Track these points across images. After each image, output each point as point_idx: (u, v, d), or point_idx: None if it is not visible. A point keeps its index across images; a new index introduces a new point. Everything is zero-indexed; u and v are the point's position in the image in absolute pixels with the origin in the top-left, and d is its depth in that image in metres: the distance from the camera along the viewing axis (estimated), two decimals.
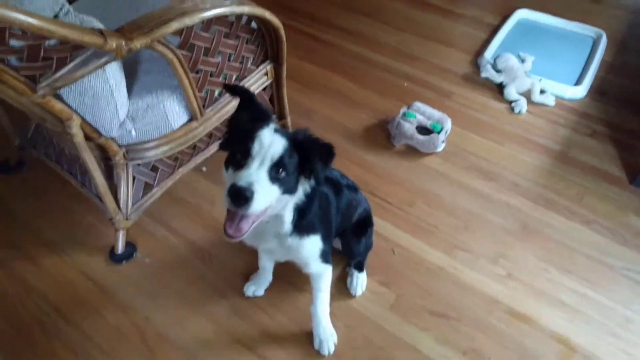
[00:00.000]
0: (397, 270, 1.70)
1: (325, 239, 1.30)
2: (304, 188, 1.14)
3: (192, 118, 1.66)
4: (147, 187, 1.72)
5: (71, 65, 1.20)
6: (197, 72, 1.54)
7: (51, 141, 1.83)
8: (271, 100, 1.98)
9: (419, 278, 1.68)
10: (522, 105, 2.34)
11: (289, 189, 1.06)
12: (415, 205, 1.91)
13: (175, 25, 1.28)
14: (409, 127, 2.08)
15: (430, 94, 2.42)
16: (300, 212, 1.18)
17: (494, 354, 1.50)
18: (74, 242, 1.75)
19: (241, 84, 1.76)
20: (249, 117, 1.07)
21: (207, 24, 1.45)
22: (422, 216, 1.88)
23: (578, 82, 2.49)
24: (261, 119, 1.06)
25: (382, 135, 2.20)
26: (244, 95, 1.11)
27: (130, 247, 1.74)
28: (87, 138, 1.47)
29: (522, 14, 2.96)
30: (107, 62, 1.23)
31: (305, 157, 1.05)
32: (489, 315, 1.59)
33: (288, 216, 1.16)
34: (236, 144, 1.04)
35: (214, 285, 1.64)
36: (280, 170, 1.02)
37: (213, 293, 1.62)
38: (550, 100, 2.38)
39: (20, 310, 1.57)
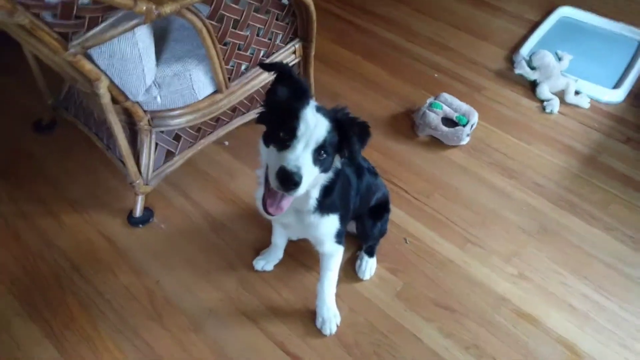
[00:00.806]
0: (407, 259, 1.70)
1: (343, 220, 1.31)
2: (334, 166, 1.15)
3: (217, 90, 1.68)
4: (169, 155, 1.75)
5: (102, 25, 1.23)
6: (225, 44, 1.55)
7: (82, 104, 1.88)
8: None
9: (428, 269, 1.67)
10: (555, 105, 2.27)
11: (326, 169, 1.09)
12: (432, 197, 1.89)
13: None
14: (435, 118, 2.05)
15: (460, 86, 2.37)
16: (326, 191, 1.19)
17: (497, 352, 1.48)
18: (96, 202, 1.81)
19: (268, 60, 1.77)
20: (289, 93, 1.08)
21: None
22: (438, 208, 1.86)
23: (617, 86, 2.40)
24: (301, 96, 1.06)
25: (406, 124, 2.18)
26: (282, 69, 1.11)
27: (148, 212, 1.78)
28: (115, 102, 1.51)
29: (564, 12, 2.86)
30: (137, 25, 1.26)
31: (343, 136, 1.07)
32: (495, 313, 1.57)
33: (314, 193, 1.18)
34: (278, 121, 1.04)
35: (224, 256, 1.68)
36: (323, 152, 1.04)
37: (223, 263, 1.66)
38: (584, 102, 2.30)
39: (38, 262, 1.64)
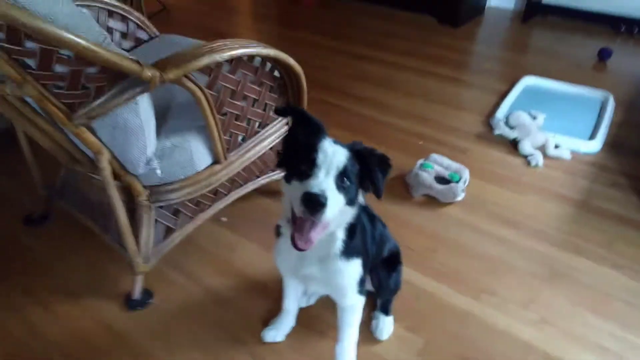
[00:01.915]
0: (423, 315, 1.62)
1: (365, 266, 1.28)
2: (357, 203, 1.15)
3: (216, 161, 1.70)
4: (168, 231, 1.71)
5: (108, 94, 1.27)
6: (223, 114, 1.61)
7: (77, 190, 1.87)
8: None
9: (447, 323, 1.60)
10: (538, 158, 2.36)
11: (351, 200, 1.09)
12: (438, 252, 1.87)
13: (205, 60, 1.36)
14: (427, 177, 2.09)
15: (445, 150, 2.46)
16: (350, 232, 1.19)
17: None
18: (90, 289, 1.72)
19: (263, 131, 1.82)
20: (305, 132, 1.11)
21: (234, 67, 1.54)
22: (446, 262, 1.82)
23: (592, 137, 2.52)
24: (317, 132, 1.10)
25: (400, 187, 2.21)
26: (296, 111, 1.17)
27: (147, 293, 1.70)
28: (115, 178, 1.50)
29: (529, 81, 3.09)
30: (142, 92, 1.30)
31: (363, 168, 1.09)
32: None
33: (340, 234, 1.17)
34: (298, 157, 1.07)
35: (232, 331, 1.57)
36: (345, 179, 1.05)
37: (231, 339, 1.55)
38: (566, 154, 2.40)
39: (24, 353, 1.50)
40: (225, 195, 1.85)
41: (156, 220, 1.67)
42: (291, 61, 1.66)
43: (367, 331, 1.56)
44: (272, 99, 1.80)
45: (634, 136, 2.60)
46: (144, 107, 1.41)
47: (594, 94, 2.94)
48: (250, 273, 1.77)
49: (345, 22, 4.20)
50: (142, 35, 2.18)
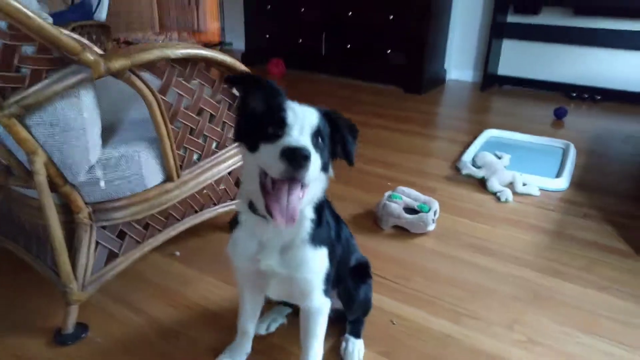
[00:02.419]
0: (398, 340, 1.44)
1: (331, 260, 1.13)
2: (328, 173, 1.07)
3: (167, 178, 1.58)
4: (111, 256, 1.54)
5: (46, 81, 1.18)
6: (176, 126, 1.52)
7: (10, 216, 1.69)
8: None
9: (425, 346, 1.41)
10: (508, 194, 2.32)
11: (325, 165, 1.00)
12: (412, 280, 1.72)
13: (155, 53, 1.31)
14: (396, 207, 2.00)
15: (414, 189, 2.39)
16: (318, 213, 1.08)
17: None
18: (14, 325, 1.48)
19: (221, 153, 1.74)
20: (264, 96, 1.01)
21: (190, 73, 1.49)
22: (421, 289, 1.67)
23: (558, 176, 2.52)
24: (278, 95, 1.01)
25: (369, 220, 2.11)
26: (250, 79, 1.05)
27: (81, 327, 1.47)
28: (52, 189, 1.37)
29: (491, 133, 3.15)
30: (83, 81, 1.22)
31: (332, 131, 1.02)
32: None
33: (309, 212, 1.06)
34: (262, 121, 0.96)
35: None
36: (319, 139, 0.96)
37: None
38: (534, 190, 2.37)
39: None
40: (179, 220, 1.71)
41: (97, 243, 1.50)
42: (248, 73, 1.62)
43: (336, 357, 1.36)
44: (231, 119, 1.73)
45: (598, 177, 2.61)
46: (87, 104, 1.31)
47: (555, 143, 3.00)
48: (202, 305, 1.57)
49: (311, 90, 4.33)
50: None
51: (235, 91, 1.70)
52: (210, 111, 1.63)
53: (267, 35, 5.06)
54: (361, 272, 1.37)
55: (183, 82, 1.49)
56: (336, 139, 1.02)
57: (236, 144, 1.09)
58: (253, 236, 1.07)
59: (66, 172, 1.36)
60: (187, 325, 1.49)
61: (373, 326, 1.47)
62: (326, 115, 1.01)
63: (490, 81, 4.51)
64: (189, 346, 1.41)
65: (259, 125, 0.97)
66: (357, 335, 1.39)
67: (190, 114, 1.55)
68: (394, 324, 1.50)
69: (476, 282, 1.71)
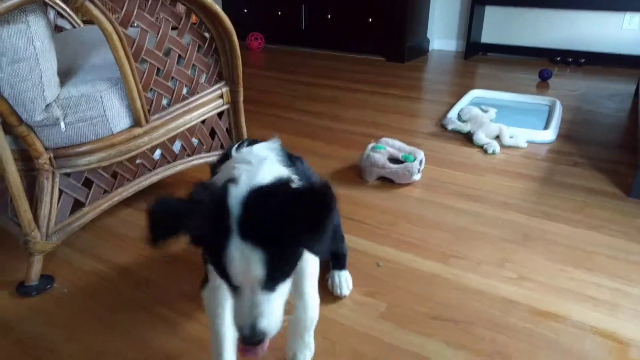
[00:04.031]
0: (384, 281, 1.37)
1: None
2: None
3: (135, 123, 1.48)
4: (77, 206, 1.44)
5: None
6: (141, 65, 1.42)
7: None
8: (229, 131, 1.84)
9: (412, 286, 1.35)
10: (495, 146, 2.25)
11: (289, 276, 0.80)
12: (397, 225, 1.65)
13: None
14: (380, 157, 1.92)
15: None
16: None
17: (528, 356, 1.11)
18: None
19: (193, 99, 1.64)
20: (206, 230, 0.74)
21: (152, 6, 1.39)
22: (406, 232, 1.60)
23: (545, 129, 2.46)
24: (218, 225, 0.72)
25: (353, 174, 2.03)
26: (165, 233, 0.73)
27: (47, 279, 1.38)
28: (6, 131, 1.26)
29: (476, 93, 3.08)
30: (29, 2, 1.11)
31: (293, 240, 0.76)
32: (507, 316, 1.23)
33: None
34: (211, 254, 0.77)
35: (150, 309, 1.26)
36: (273, 281, 0.75)
37: (148, 317, 1.24)
38: (522, 142, 2.30)
39: None
40: (150, 170, 1.61)
41: (61, 191, 1.40)
42: (217, 9, 1.52)
43: (325, 297, 1.28)
44: (203, 64, 1.64)
45: (585, 129, 2.56)
46: (38, 32, 1.21)
47: (541, 101, 2.94)
48: (177, 255, 1.49)
49: (294, 62, 4.23)
50: (64, 24, 2.03)
51: (206, 34, 1.61)
52: (179, 51, 1.53)
53: (245, 10, 4.93)
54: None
55: (146, 14, 1.38)
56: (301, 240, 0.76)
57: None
58: None
59: (20, 110, 1.25)
60: (159, 273, 1.41)
61: (358, 270, 1.40)
62: (278, 231, 0.71)
63: (474, 49, 4.43)
64: (161, 293, 1.33)
65: (209, 252, 0.78)
66: (341, 267, 1.32)
67: (156, 52, 1.45)
68: (379, 266, 1.43)
69: (464, 226, 1.64)
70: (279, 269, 0.75)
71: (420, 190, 1.89)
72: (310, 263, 0.95)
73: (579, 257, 1.48)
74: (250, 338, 0.73)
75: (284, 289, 0.78)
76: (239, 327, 0.75)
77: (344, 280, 1.29)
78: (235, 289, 0.76)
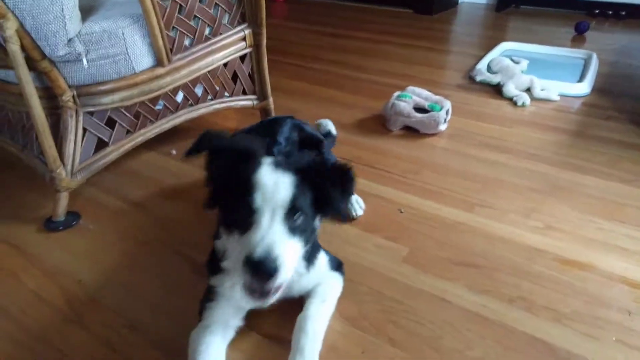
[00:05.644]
0: (407, 227, 1.35)
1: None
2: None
3: (158, 63, 1.46)
4: (101, 145, 1.45)
5: None
6: (163, 2, 1.38)
7: None
8: (251, 76, 1.80)
9: (435, 232, 1.33)
10: (525, 98, 2.16)
11: (307, 238, 0.84)
12: (420, 173, 1.62)
13: None
14: (406, 106, 1.87)
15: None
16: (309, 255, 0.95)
17: (551, 301, 1.10)
18: (1, 213, 1.42)
19: (215, 40, 1.60)
20: (232, 162, 0.84)
21: None
22: (431, 181, 1.57)
23: (580, 81, 2.35)
24: (248, 159, 0.84)
25: (377, 123, 1.99)
26: (210, 143, 0.86)
27: (73, 215, 1.40)
28: (30, 67, 1.25)
29: (507, 45, 2.95)
30: None
31: (318, 187, 0.84)
32: (532, 264, 1.21)
33: (299, 266, 0.92)
34: (230, 198, 0.81)
35: (173, 247, 1.28)
36: (297, 215, 0.79)
37: (171, 254, 1.25)
38: (554, 95, 2.21)
39: None
40: (173, 112, 1.60)
41: (85, 130, 1.41)
42: None
43: (348, 240, 1.27)
44: (226, 3, 1.59)
45: (622, 83, 2.44)
46: None
47: (576, 54, 2.80)
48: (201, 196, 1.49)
49: (319, 13, 4.10)
50: None
51: None
52: None
53: None
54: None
55: None
56: (322, 197, 0.85)
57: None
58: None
59: (43, 44, 1.24)
60: (184, 214, 1.42)
61: (379, 216, 1.38)
62: (306, 172, 0.83)
63: (506, 1, 4.22)
64: (185, 232, 1.34)
65: (228, 200, 0.82)
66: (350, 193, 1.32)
67: None
68: (401, 212, 1.41)
69: (490, 176, 1.60)
70: (302, 203, 0.79)
71: (445, 141, 1.84)
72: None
73: (610, 208, 1.43)
74: (262, 262, 0.71)
75: (299, 243, 0.80)
76: (250, 253, 0.72)
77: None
78: (249, 225, 0.76)
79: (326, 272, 1.04)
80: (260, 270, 0.72)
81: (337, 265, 1.09)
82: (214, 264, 0.95)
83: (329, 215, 0.90)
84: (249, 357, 0.97)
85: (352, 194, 0.89)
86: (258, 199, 0.77)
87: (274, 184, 0.78)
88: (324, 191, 0.84)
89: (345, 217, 0.87)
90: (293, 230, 0.78)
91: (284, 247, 0.75)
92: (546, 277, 1.16)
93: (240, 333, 0.99)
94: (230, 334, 0.96)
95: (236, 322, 0.97)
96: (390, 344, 0.99)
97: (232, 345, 0.97)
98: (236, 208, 0.79)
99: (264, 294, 0.79)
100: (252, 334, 1.01)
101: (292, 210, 0.78)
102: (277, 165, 0.82)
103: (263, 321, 1.03)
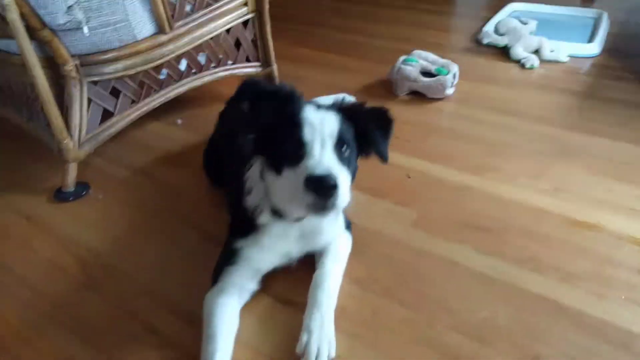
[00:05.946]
0: (415, 191, 1.35)
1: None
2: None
3: (159, 30, 1.44)
4: (106, 115, 1.44)
5: None
6: None
7: None
8: (254, 42, 1.77)
9: (443, 196, 1.33)
10: (534, 59, 2.12)
11: (354, 169, 0.90)
12: (428, 138, 1.61)
13: None
14: (412, 70, 1.84)
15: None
16: None
17: (561, 262, 1.10)
18: (10, 184, 1.43)
19: (217, 5, 1.57)
20: (275, 107, 0.87)
21: None
22: (439, 146, 1.56)
23: (590, 42, 2.30)
24: (291, 102, 0.88)
25: (384, 88, 1.96)
26: (252, 90, 0.91)
27: (82, 186, 1.41)
28: (31, 36, 1.23)
29: (515, 6, 2.87)
30: None
31: (357, 128, 0.89)
32: (541, 225, 1.21)
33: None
34: (278, 139, 0.84)
35: (182, 216, 1.29)
36: (344, 147, 0.85)
37: (180, 223, 1.26)
38: (563, 57, 2.16)
39: None
40: (177, 81, 1.58)
41: (90, 100, 1.40)
42: None
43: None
44: None
45: (633, 43, 2.38)
46: None
47: (586, 13, 2.73)
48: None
49: None
50: None
51: None
52: None
53: None
54: None
55: None
56: (362, 137, 0.90)
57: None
58: (278, 238, 0.97)
59: (42, 12, 1.22)
60: (191, 183, 1.42)
61: (388, 181, 1.38)
62: (348, 112, 0.88)
63: None
64: (193, 201, 1.34)
65: (275, 142, 0.85)
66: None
67: None
68: (409, 177, 1.41)
69: (498, 139, 1.59)
70: (348, 137, 0.85)
71: (453, 105, 1.82)
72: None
73: (620, 170, 1.42)
74: (324, 178, 0.76)
75: (347, 175, 0.83)
76: (311, 173, 0.77)
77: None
78: (300, 158, 0.80)
79: (341, 229, 1.09)
80: (323, 185, 0.77)
81: (348, 224, 1.13)
82: (244, 225, 0.97)
83: (369, 155, 0.95)
84: (262, 320, 0.99)
85: (392, 134, 0.94)
86: (308, 132, 0.81)
87: (321, 119, 0.83)
88: (365, 131, 0.89)
89: (388, 158, 0.89)
90: (341, 160, 0.84)
91: (338, 170, 0.81)
92: (554, 238, 1.17)
93: (254, 296, 1.01)
94: (245, 297, 0.98)
95: (252, 285, 0.99)
96: (400, 305, 1.00)
97: (245, 308, 0.99)
98: (286, 144, 0.83)
99: (326, 208, 0.80)
100: (264, 297, 1.03)
101: (339, 143, 0.83)
102: (319, 107, 0.88)
103: (277, 285, 1.04)
